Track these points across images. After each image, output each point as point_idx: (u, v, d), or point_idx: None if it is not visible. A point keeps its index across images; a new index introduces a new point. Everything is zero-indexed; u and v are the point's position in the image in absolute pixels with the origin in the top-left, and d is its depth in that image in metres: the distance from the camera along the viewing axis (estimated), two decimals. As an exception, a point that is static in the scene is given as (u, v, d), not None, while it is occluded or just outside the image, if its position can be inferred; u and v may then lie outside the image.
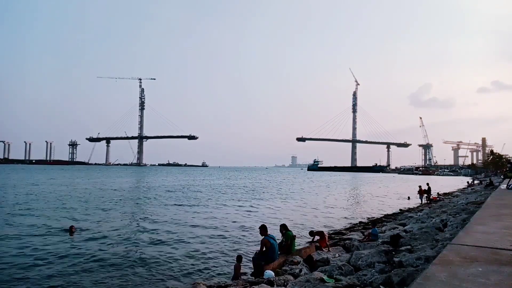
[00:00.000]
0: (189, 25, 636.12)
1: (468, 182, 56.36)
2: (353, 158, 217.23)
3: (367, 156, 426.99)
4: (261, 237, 8.32)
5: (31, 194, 27.05)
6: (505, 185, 22.00)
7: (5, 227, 13.35)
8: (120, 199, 24.95)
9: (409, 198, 29.06)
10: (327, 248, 9.67)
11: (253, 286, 6.62)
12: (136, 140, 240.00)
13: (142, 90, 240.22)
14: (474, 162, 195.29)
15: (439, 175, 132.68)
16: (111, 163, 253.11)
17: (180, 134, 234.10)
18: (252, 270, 8.23)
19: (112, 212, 18.09)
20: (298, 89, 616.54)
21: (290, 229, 9.16)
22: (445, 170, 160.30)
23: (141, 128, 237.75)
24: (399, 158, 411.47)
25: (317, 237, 10.35)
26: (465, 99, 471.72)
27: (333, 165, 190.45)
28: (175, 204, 22.64)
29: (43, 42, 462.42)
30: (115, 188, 36.76)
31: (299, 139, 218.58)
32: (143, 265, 8.88)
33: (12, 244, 10.67)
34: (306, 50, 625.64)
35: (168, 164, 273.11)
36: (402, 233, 11.00)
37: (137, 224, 14.94)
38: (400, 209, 21.79)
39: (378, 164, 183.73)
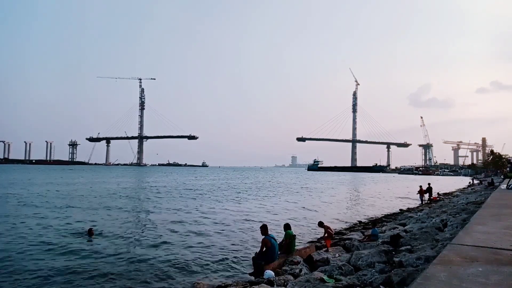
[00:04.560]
0: (189, 25, 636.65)
1: (470, 182, 56.32)
2: (353, 158, 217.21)
3: (367, 156, 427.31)
4: (261, 237, 8.33)
5: (41, 195, 27.07)
6: (505, 185, 22.01)
7: (22, 229, 13.26)
8: (129, 200, 24.96)
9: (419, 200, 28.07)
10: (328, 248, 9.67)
11: (253, 286, 6.63)
12: (136, 140, 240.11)
13: (142, 90, 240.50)
14: (474, 162, 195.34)
15: (439, 175, 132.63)
16: (111, 163, 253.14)
17: (180, 134, 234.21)
18: (252, 270, 8.25)
19: (122, 213, 18.10)
20: (298, 89, 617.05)
21: (290, 229, 9.16)
22: (445, 170, 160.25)
23: (141, 128, 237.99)
24: (399, 158, 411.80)
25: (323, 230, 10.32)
26: (464, 99, 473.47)
27: (333, 165, 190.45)
28: (179, 204, 22.66)
29: (43, 42, 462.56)
30: (121, 188, 36.78)
31: (299, 139, 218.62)
32: (145, 265, 8.88)
33: (32, 246, 10.57)
34: (306, 50, 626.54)
35: (168, 164, 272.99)
36: (402, 233, 11.00)
37: (144, 224, 14.99)
38: (400, 209, 21.78)
39: (378, 164, 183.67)
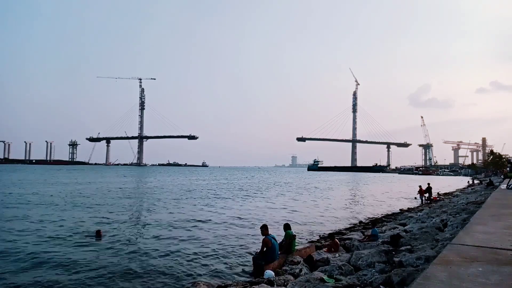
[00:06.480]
0: (189, 25, 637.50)
1: (468, 182, 56.34)
2: (353, 158, 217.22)
3: (367, 156, 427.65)
4: (262, 237, 8.33)
5: (46, 195, 27.05)
6: (505, 185, 22.02)
7: (29, 229, 13.20)
8: (133, 201, 24.94)
9: (415, 198, 28.47)
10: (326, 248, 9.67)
11: (253, 286, 6.63)
12: (136, 140, 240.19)
13: (142, 90, 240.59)
14: (474, 162, 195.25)
15: (439, 175, 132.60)
16: (111, 163, 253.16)
17: (180, 134, 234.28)
18: (252, 270, 8.25)
19: (126, 214, 18.08)
20: (298, 89, 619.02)
21: (290, 229, 9.16)
22: (445, 170, 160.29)
23: (141, 128, 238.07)
24: (399, 158, 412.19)
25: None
26: (464, 99, 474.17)
27: (333, 165, 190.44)
28: (180, 204, 22.69)
29: (43, 42, 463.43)
30: (124, 189, 36.78)
31: (299, 139, 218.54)
32: (146, 265, 8.90)
33: (40, 247, 10.51)
34: (306, 50, 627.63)
35: (168, 164, 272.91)
36: (402, 233, 11.00)
37: (148, 225, 14.94)
38: (400, 209, 21.78)
39: (378, 164, 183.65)
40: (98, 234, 12.17)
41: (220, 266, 9.05)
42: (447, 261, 4.43)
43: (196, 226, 14.78)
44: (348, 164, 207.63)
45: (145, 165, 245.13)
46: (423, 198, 25.75)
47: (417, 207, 22.94)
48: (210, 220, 16.44)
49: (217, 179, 66.33)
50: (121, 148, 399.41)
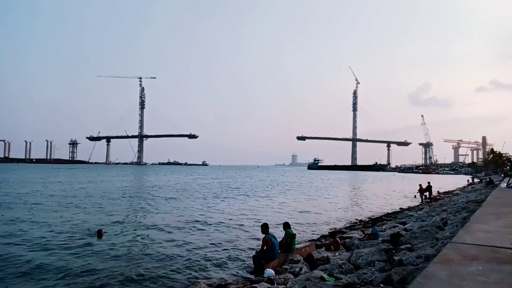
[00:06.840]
0: (189, 24, 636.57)
1: (468, 180, 56.38)
2: (353, 157, 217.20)
3: (367, 154, 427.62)
4: (262, 235, 8.34)
5: (47, 194, 27.06)
6: (505, 184, 22.03)
7: (31, 230, 13.11)
8: (134, 200, 24.95)
9: (415, 196, 28.56)
10: (325, 247, 9.68)
11: (254, 285, 6.63)
12: (137, 139, 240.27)
13: (142, 89, 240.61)
14: (475, 160, 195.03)
15: (440, 173, 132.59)
16: (112, 162, 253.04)
17: (180, 133, 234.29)
18: (253, 269, 8.26)
19: (127, 213, 18.04)
20: (298, 88, 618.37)
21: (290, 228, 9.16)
22: (446, 168, 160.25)
23: (141, 127, 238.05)
24: (399, 157, 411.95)
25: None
26: (464, 99, 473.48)
27: (333, 164, 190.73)
28: (181, 203, 22.73)
29: (43, 42, 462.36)
30: (125, 188, 36.84)
31: (299, 138, 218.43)
32: (146, 264, 8.90)
33: (41, 247, 10.47)
34: (307, 49, 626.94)
35: (168, 163, 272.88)
36: (402, 231, 11.01)
37: (148, 224, 14.92)
38: (401, 208, 21.80)
39: (378, 163, 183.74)
40: (100, 234, 12.17)
41: (220, 265, 9.05)
42: (447, 260, 4.43)
43: (196, 225, 14.78)
44: (348, 163, 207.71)
45: (145, 164, 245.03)
46: (423, 197, 25.75)
47: (417, 205, 22.95)
48: (210, 219, 16.44)
49: (218, 178, 66.33)
50: (121, 147, 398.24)
